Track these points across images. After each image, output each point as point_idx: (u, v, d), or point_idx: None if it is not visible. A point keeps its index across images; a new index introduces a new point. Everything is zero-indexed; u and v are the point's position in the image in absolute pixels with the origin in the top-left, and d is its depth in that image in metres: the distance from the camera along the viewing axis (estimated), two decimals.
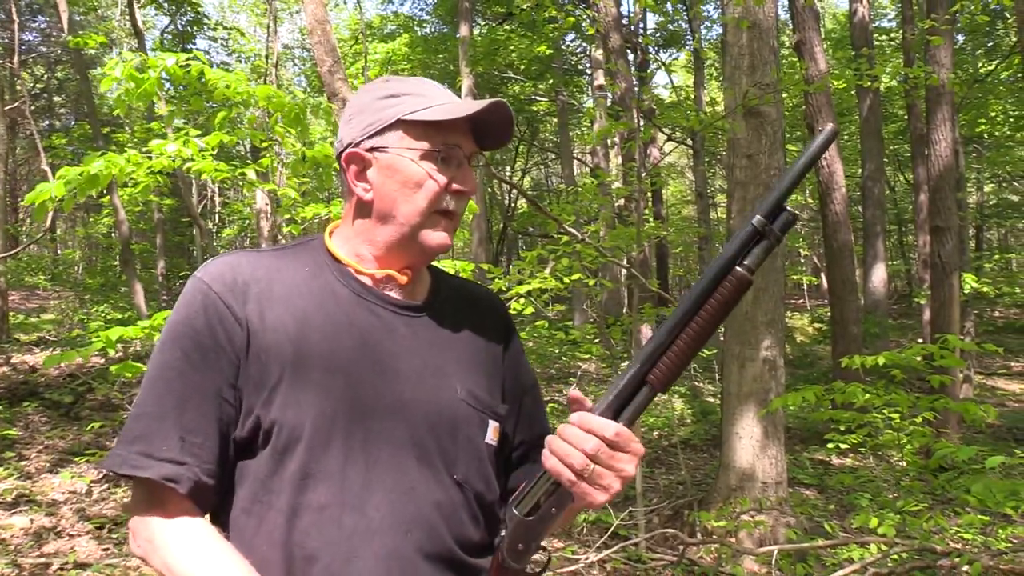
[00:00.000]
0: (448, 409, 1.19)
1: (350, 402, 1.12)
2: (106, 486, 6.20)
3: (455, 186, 1.20)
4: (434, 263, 1.35)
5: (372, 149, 1.21)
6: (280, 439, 1.10)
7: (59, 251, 22.40)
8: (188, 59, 3.95)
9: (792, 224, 1.05)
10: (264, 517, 1.11)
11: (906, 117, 14.83)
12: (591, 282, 6.37)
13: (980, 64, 17.26)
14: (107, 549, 5.06)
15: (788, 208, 1.04)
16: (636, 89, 13.04)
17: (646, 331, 8.43)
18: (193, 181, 15.65)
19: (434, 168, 1.19)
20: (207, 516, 1.16)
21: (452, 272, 1.45)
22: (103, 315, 12.24)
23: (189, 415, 1.10)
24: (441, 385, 1.20)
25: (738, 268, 1.03)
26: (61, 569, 4.66)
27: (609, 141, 12.98)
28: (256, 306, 1.14)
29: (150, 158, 3.91)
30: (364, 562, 1.09)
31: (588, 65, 17.52)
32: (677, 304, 1.07)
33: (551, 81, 17.66)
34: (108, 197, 11.42)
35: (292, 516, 1.09)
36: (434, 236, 1.21)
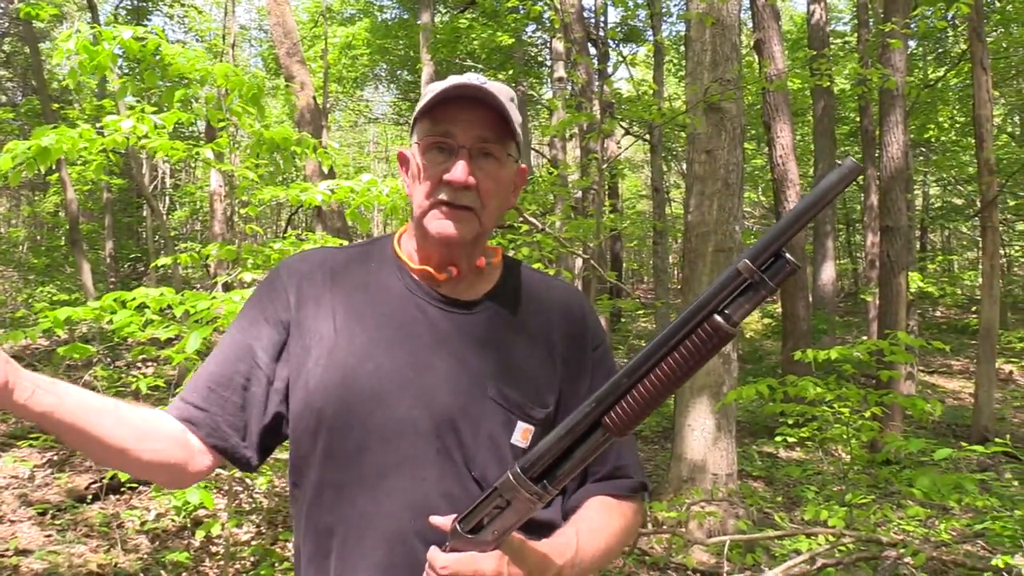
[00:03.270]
0: (473, 406, 1.20)
1: (374, 391, 1.18)
2: (49, 471, 6.04)
3: (445, 176, 1.20)
4: (516, 258, 1.42)
5: (411, 147, 1.30)
6: (311, 420, 1.20)
7: (2, 230, 21.73)
8: (145, 33, 3.84)
9: (791, 273, 0.89)
10: (304, 490, 1.23)
11: (858, 119, 15.14)
12: (551, 272, 6.38)
13: (930, 70, 17.68)
14: (50, 535, 4.93)
15: (787, 255, 0.89)
16: (597, 82, 13.09)
17: (602, 323, 8.47)
18: (144, 161, 15.28)
19: (430, 159, 1.22)
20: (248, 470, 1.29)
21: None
22: (48, 296, 11.91)
23: (222, 370, 1.24)
24: (472, 382, 1.21)
25: (716, 316, 0.90)
26: (2, 556, 4.53)
27: (568, 133, 13.01)
28: (314, 293, 1.26)
29: (103, 134, 3.80)
30: (371, 541, 1.15)
31: (549, 57, 17.52)
32: (645, 345, 0.97)
33: (511, 71, 17.62)
34: (56, 174, 11.12)
35: (319, 492, 1.20)
36: (433, 225, 1.22)
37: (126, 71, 10.92)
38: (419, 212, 1.24)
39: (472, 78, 1.21)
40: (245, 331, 1.26)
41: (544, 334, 1.30)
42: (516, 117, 1.25)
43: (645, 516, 5.50)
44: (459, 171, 1.19)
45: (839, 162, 0.86)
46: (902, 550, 3.68)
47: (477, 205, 1.22)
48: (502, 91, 1.23)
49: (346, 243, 1.67)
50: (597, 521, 1.23)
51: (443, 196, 1.21)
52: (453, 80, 1.21)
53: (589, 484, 1.31)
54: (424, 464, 1.16)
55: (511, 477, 0.99)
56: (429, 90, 1.23)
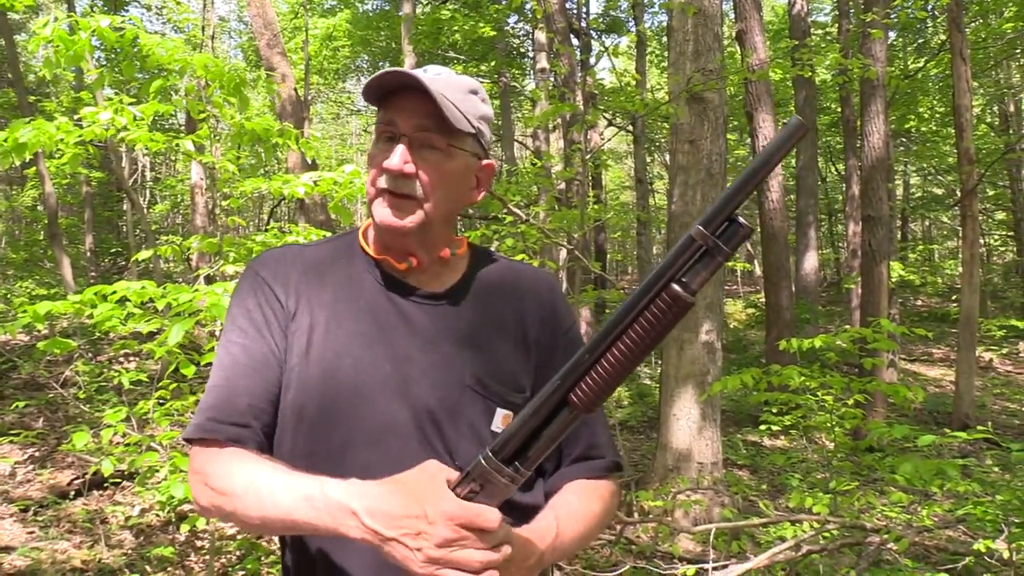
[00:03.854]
0: (452, 396, 1.20)
1: (355, 387, 1.18)
2: (31, 467, 5.99)
3: (382, 164, 1.21)
4: (482, 246, 1.41)
5: None
6: (291, 418, 1.19)
7: None
8: (122, 22, 3.79)
9: (745, 237, 0.88)
10: None
11: (839, 110, 15.21)
12: (535, 263, 6.37)
13: (911, 60, 17.79)
14: (32, 532, 4.88)
15: (739, 218, 0.88)
16: (580, 72, 13.07)
17: (586, 314, 8.49)
18: (124, 154, 15.13)
19: (377, 148, 1.23)
20: None
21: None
22: (27, 291, 11.78)
23: (253, 381, 1.19)
24: (449, 372, 1.22)
25: (674, 285, 0.88)
26: None
27: (551, 124, 13.01)
28: (294, 291, 1.25)
29: (81, 127, 3.75)
30: None
31: (531, 48, 17.49)
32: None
33: (494, 63, 17.57)
34: (34, 168, 10.99)
35: None
36: (376, 212, 1.23)
37: (104, 63, 10.79)
38: (368, 200, 1.26)
39: (430, 71, 1.22)
40: (256, 340, 1.22)
41: (516, 319, 1.31)
42: (478, 109, 1.25)
43: (631, 504, 5.53)
44: (394, 158, 1.19)
45: (785, 122, 0.86)
46: (885, 536, 3.71)
47: (419, 194, 1.21)
48: (454, 85, 1.23)
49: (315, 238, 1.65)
50: (575, 505, 1.24)
51: (383, 184, 1.21)
52: (400, 68, 1.21)
53: (564, 467, 1.31)
54: (406, 457, 1.13)
55: (482, 460, 0.98)
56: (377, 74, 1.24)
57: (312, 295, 1.25)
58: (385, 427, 1.17)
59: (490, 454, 0.98)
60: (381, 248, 1.28)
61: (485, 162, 1.30)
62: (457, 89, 1.22)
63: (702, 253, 0.88)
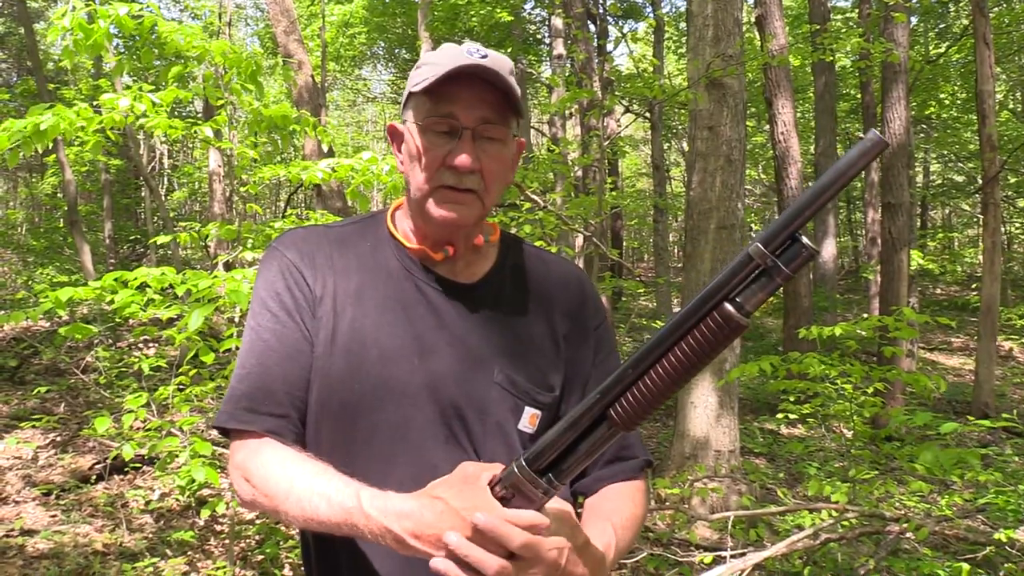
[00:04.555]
0: (480, 392, 1.18)
1: (381, 379, 1.16)
2: (53, 452, 6.05)
3: (449, 161, 1.16)
4: (515, 234, 1.37)
5: (404, 122, 1.24)
6: (317, 409, 1.17)
7: (0, 212, 21.67)
8: (140, 10, 3.79)
9: (809, 259, 0.82)
10: None
11: (859, 96, 15.05)
12: (553, 250, 6.36)
13: (932, 46, 17.57)
14: (54, 516, 4.94)
15: (803, 238, 0.82)
16: (597, 58, 12.99)
17: (603, 301, 8.45)
18: (142, 141, 15.21)
19: (430, 141, 1.17)
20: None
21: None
22: (48, 278, 11.89)
23: (288, 369, 1.16)
24: (477, 367, 1.19)
25: (727, 305, 0.84)
26: (7, 536, 4.55)
27: (568, 111, 12.96)
28: (320, 275, 1.21)
29: (100, 113, 3.76)
30: None
31: (548, 34, 17.40)
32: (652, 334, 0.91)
33: (510, 49, 17.50)
34: (54, 155, 11.06)
35: None
36: (436, 211, 1.19)
37: (122, 50, 10.83)
38: (419, 195, 1.20)
39: (472, 52, 1.16)
40: (287, 324, 1.19)
41: (545, 313, 1.28)
42: (518, 89, 1.20)
43: (649, 492, 5.53)
44: (465, 157, 1.15)
45: (861, 136, 0.82)
46: (904, 525, 3.69)
47: (480, 188, 1.19)
48: (503, 64, 1.17)
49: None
50: (626, 512, 1.21)
51: (446, 180, 1.17)
52: (452, 55, 1.16)
53: (598, 469, 1.29)
54: (432, 452, 1.14)
55: (515, 470, 0.95)
56: (426, 63, 1.19)
57: (338, 281, 1.22)
58: (411, 421, 1.15)
59: (524, 463, 0.95)
60: (421, 238, 1.25)
61: (518, 140, 1.28)
62: (506, 71, 1.17)
63: (759, 272, 0.84)
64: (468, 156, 1.15)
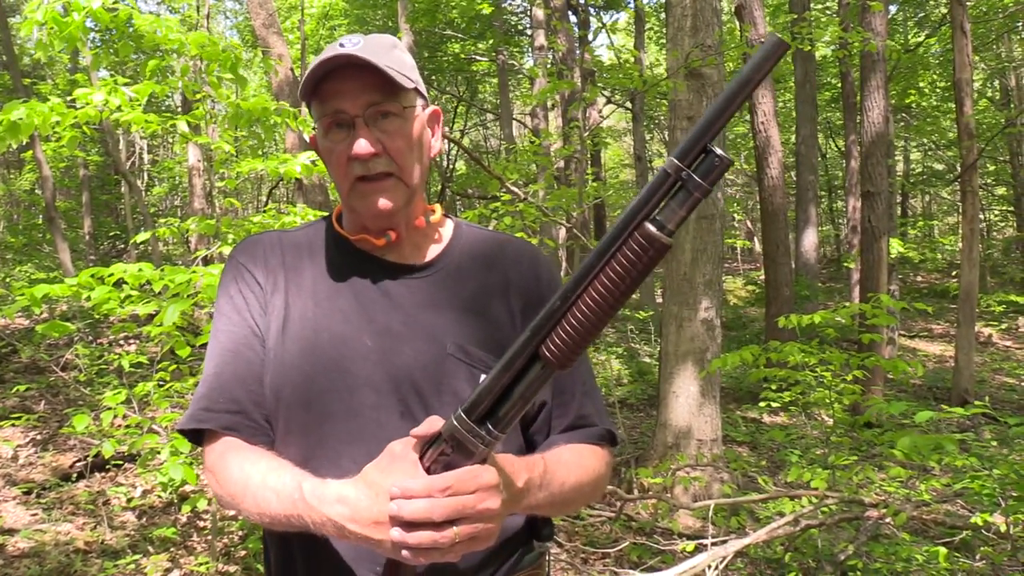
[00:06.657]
0: (433, 364, 1.19)
1: (333, 361, 1.18)
2: (33, 450, 6.01)
3: (350, 153, 1.18)
4: (462, 219, 1.40)
5: (315, 129, 1.26)
6: (272, 397, 1.19)
7: None
8: (115, 2, 3.76)
9: (723, 170, 0.79)
10: None
11: (839, 85, 15.12)
12: (534, 242, 6.36)
13: (911, 35, 17.66)
14: (35, 514, 4.91)
15: (717, 149, 0.79)
16: (578, 49, 12.98)
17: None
18: (121, 137, 15.06)
19: (332, 140, 1.20)
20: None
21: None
22: (27, 275, 11.77)
23: (239, 366, 1.20)
24: (431, 342, 1.21)
25: (647, 224, 0.82)
26: None
27: (549, 103, 12.95)
28: (272, 274, 1.26)
29: (75, 108, 3.72)
30: None
31: (529, 25, 17.36)
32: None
33: (491, 41, 17.46)
34: (31, 151, 10.94)
35: None
36: (360, 204, 1.22)
37: (99, 44, 10.72)
38: (343, 193, 1.23)
39: (345, 43, 1.17)
40: (238, 324, 1.23)
41: (500, 290, 1.29)
42: (406, 61, 1.22)
43: (631, 481, 5.55)
44: (361, 145, 1.17)
45: (762, 40, 0.80)
46: (884, 510, 3.73)
47: (394, 168, 1.20)
48: (378, 44, 1.19)
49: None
50: (565, 455, 1.20)
51: (357, 171, 1.19)
52: (325, 54, 1.17)
53: (553, 436, 1.28)
54: (388, 427, 1.14)
55: (453, 421, 0.93)
56: (308, 69, 1.20)
57: (290, 277, 1.26)
58: (365, 398, 1.17)
59: (462, 414, 0.93)
60: (359, 229, 1.28)
61: (430, 109, 1.29)
62: (382, 49, 1.19)
63: (678, 189, 0.81)
64: (364, 141, 1.17)
